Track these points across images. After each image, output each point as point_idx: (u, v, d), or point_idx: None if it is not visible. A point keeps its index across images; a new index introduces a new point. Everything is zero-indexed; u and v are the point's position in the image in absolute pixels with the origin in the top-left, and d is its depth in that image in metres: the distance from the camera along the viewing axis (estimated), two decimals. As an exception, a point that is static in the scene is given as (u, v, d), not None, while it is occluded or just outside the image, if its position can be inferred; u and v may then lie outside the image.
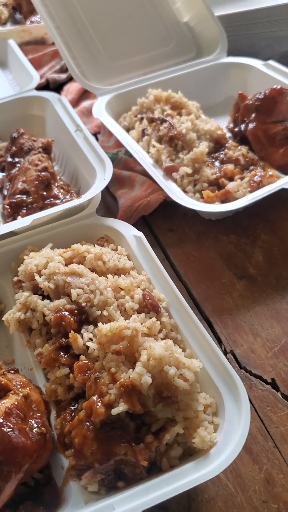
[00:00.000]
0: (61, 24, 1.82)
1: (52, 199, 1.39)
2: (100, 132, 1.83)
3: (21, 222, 1.26)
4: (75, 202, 1.30)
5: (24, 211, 1.38)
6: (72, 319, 1.02)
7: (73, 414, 0.94)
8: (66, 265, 1.14)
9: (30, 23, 2.47)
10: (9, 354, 1.17)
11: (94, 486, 0.86)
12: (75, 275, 1.09)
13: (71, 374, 0.96)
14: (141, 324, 1.00)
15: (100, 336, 0.95)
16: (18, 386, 0.96)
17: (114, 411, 0.86)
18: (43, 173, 1.42)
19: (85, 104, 1.94)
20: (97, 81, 1.80)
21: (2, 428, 0.84)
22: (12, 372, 1.03)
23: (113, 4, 1.91)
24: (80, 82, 1.76)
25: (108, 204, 1.57)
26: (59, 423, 0.94)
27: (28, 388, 0.95)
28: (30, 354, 1.07)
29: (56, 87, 2.11)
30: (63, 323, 1.01)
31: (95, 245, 1.22)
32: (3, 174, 1.65)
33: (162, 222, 1.47)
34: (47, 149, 1.53)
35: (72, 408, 0.96)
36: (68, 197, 1.40)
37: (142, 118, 1.63)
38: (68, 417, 0.93)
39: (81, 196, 1.33)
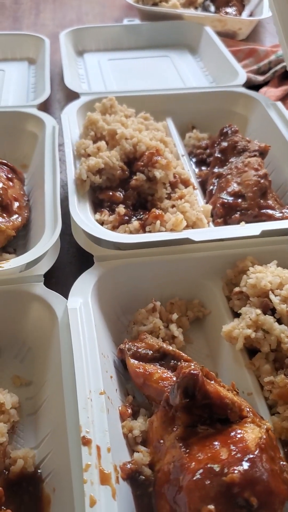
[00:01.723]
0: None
1: (267, 210, 1.30)
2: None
3: (250, 230, 1.17)
4: (305, 222, 1.20)
5: (236, 215, 1.28)
6: None
7: (313, 463, 0.84)
8: (298, 290, 1.05)
9: (225, 14, 2.37)
10: (210, 366, 1.09)
11: None
12: None
13: (314, 419, 0.86)
14: None
15: None
16: (251, 414, 0.88)
17: None
18: (262, 180, 1.32)
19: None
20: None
21: (259, 466, 0.75)
22: (235, 393, 0.94)
23: None
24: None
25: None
26: (293, 469, 0.84)
27: (266, 421, 0.87)
28: (249, 376, 0.98)
29: (248, 87, 2.01)
30: (308, 359, 0.92)
31: None
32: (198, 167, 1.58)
33: None
34: (262, 154, 1.43)
35: (310, 456, 0.86)
36: (285, 211, 1.30)
37: None
38: (308, 466, 0.84)
39: (307, 216, 1.22)
